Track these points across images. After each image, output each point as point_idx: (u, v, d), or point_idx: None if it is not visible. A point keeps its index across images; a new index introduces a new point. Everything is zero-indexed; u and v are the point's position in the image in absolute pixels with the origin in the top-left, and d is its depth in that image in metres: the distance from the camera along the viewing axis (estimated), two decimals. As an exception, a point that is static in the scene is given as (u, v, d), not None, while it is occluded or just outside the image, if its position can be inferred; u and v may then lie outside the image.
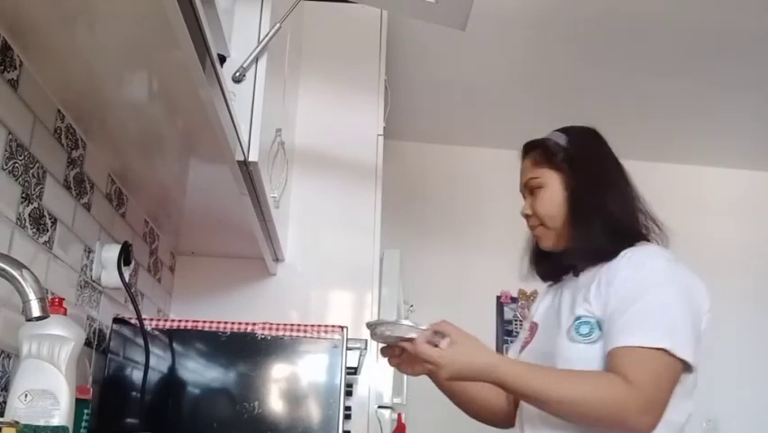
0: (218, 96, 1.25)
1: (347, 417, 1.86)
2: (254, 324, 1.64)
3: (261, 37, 1.56)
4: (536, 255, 1.51)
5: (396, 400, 2.50)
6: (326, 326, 1.67)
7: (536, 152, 1.46)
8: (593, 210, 1.36)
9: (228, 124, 1.34)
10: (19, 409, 1.09)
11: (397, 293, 2.65)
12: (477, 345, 1.24)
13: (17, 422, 0.92)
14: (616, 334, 1.22)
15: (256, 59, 1.55)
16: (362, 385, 2.18)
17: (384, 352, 1.34)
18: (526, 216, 1.46)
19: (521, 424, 1.39)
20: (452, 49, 2.98)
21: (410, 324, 1.25)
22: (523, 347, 1.46)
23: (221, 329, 1.63)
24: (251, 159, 1.51)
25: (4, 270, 0.88)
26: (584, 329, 1.27)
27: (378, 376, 2.29)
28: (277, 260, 2.28)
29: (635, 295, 1.24)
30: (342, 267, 2.31)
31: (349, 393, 2.04)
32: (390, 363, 1.35)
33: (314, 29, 2.46)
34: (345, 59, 2.50)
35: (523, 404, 1.37)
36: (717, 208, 3.87)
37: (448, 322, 1.25)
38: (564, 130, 1.47)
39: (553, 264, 1.48)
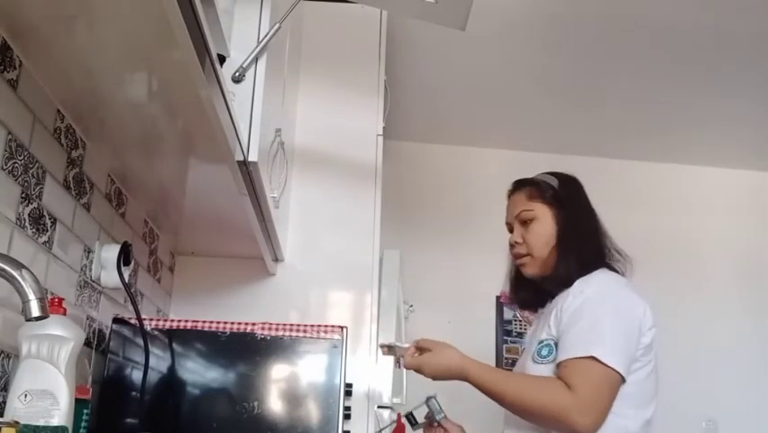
0: (218, 97, 1.25)
1: (347, 417, 1.86)
2: (254, 324, 1.64)
3: (261, 37, 1.56)
4: (519, 284, 1.69)
5: (395, 400, 2.50)
6: (326, 326, 1.67)
7: (530, 187, 1.64)
8: (576, 245, 1.56)
9: (228, 124, 1.34)
10: (18, 409, 1.09)
11: (397, 293, 2.65)
12: (450, 352, 1.49)
13: (17, 422, 0.92)
14: (561, 350, 1.42)
15: (256, 60, 1.55)
16: (362, 385, 2.18)
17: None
18: (515, 245, 1.62)
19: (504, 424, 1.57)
20: (451, 49, 2.98)
21: (401, 345, 1.60)
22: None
23: (220, 329, 1.64)
24: (250, 159, 1.51)
25: (3, 270, 0.88)
26: (545, 351, 1.47)
27: (377, 376, 2.29)
28: (276, 260, 2.28)
29: (576, 317, 1.43)
30: (341, 267, 2.31)
31: (349, 393, 2.03)
32: None
33: (314, 29, 2.46)
34: (345, 60, 2.50)
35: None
36: (717, 208, 3.87)
37: (425, 338, 1.54)
38: (552, 174, 1.66)
39: (535, 293, 1.65)
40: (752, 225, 3.87)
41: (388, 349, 1.61)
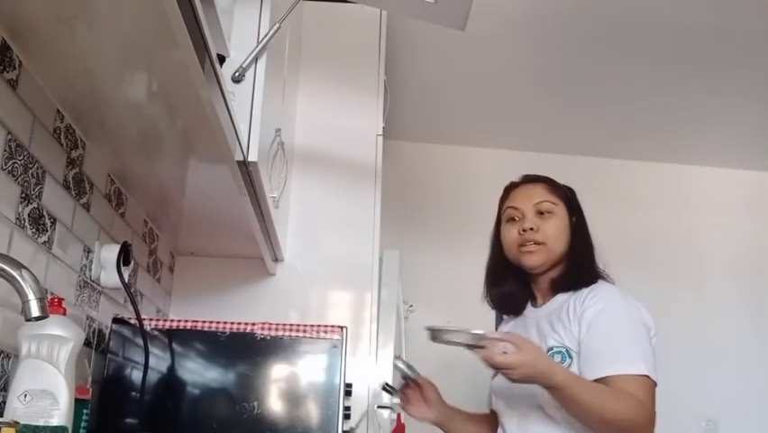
0: (217, 97, 1.25)
1: (347, 417, 1.86)
2: (253, 324, 1.64)
3: (261, 37, 1.56)
4: (504, 277, 1.70)
5: (395, 401, 2.50)
6: (326, 326, 1.67)
7: (549, 184, 1.65)
8: (587, 253, 1.60)
9: (227, 124, 1.34)
10: (18, 409, 1.09)
11: (397, 293, 2.65)
12: (541, 354, 1.39)
13: (17, 422, 0.92)
14: (607, 362, 1.41)
15: (255, 60, 1.55)
16: (362, 385, 2.18)
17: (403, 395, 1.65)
18: (528, 231, 1.57)
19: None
20: (451, 49, 2.98)
21: (473, 331, 1.33)
22: (496, 373, 1.53)
23: (220, 329, 1.63)
24: (250, 159, 1.51)
25: (3, 270, 0.88)
26: (557, 358, 1.44)
27: (377, 376, 2.29)
28: (276, 260, 2.28)
29: (610, 329, 1.44)
30: (341, 267, 2.31)
31: (348, 393, 2.03)
32: (404, 407, 1.68)
33: (313, 29, 2.46)
34: (345, 60, 2.50)
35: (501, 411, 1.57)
36: (717, 208, 3.87)
37: (514, 333, 1.46)
38: (561, 183, 1.67)
39: (520, 291, 1.66)
40: (751, 225, 3.88)
41: (452, 334, 1.34)
